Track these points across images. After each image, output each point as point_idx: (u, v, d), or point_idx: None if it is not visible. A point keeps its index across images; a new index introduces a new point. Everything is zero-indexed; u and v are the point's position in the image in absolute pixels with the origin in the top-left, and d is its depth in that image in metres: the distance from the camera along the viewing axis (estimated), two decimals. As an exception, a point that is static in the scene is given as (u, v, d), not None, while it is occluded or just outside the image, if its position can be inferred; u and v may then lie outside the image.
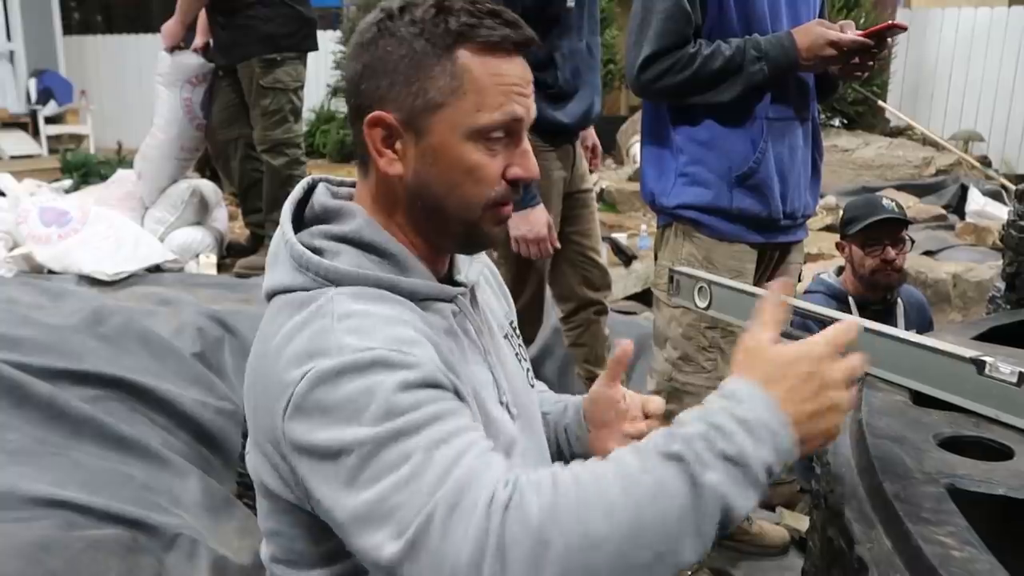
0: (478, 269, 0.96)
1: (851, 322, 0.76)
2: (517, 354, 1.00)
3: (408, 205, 0.85)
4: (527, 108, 0.83)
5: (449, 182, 0.82)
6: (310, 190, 0.91)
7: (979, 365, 0.95)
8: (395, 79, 0.81)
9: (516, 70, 0.83)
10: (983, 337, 1.22)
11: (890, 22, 1.51)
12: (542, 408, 1.06)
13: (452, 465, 0.67)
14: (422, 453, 0.68)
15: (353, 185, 0.92)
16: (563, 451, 1.06)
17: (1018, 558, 0.72)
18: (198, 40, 3.01)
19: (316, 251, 0.83)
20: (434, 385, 0.73)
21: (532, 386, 1.02)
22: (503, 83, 0.81)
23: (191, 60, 2.98)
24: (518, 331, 1.04)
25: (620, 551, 0.63)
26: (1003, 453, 0.87)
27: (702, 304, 1.37)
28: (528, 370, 1.02)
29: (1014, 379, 0.92)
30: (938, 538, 0.70)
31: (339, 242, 0.84)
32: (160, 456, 1.80)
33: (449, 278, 0.92)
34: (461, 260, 0.94)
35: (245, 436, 1.75)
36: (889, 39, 1.50)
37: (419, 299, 0.84)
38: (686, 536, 0.64)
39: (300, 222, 0.89)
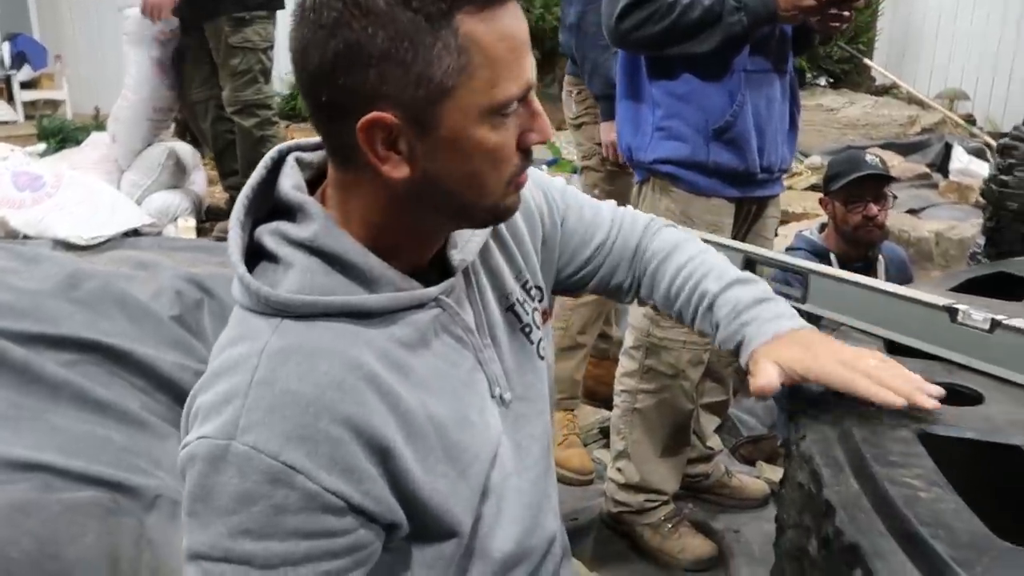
0: (480, 241, 0.84)
1: None
2: (525, 327, 0.89)
3: (411, 203, 0.73)
4: (534, 65, 0.71)
5: (467, 172, 0.71)
6: (276, 167, 0.78)
7: (952, 313, 0.95)
8: (385, 68, 0.65)
9: (519, 23, 0.69)
10: (959, 288, 1.22)
11: None
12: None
13: None
14: None
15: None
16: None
17: (986, 498, 0.73)
18: None
19: (271, 256, 0.74)
20: (322, 511, 0.68)
21: (542, 358, 0.91)
22: (513, 45, 0.68)
23: None
24: (534, 290, 0.91)
25: None
26: (973, 399, 0.87)
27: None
28: (540, 340, 0.90)
29: (986, 326, 0.92)
30: (905, 480, 0.70)
31: (296, 248, 0.73)
32: (139, 419, 1.78)
33: (442, 259, 0.81)
34: (459, 233, 0.82)
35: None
36: None
37: (383, 314, 0.74)
38: None
39: (269, 199, 0.77)
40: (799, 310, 1.19)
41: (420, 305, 0.77)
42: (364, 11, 0.64)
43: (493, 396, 0.84)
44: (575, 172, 4.04)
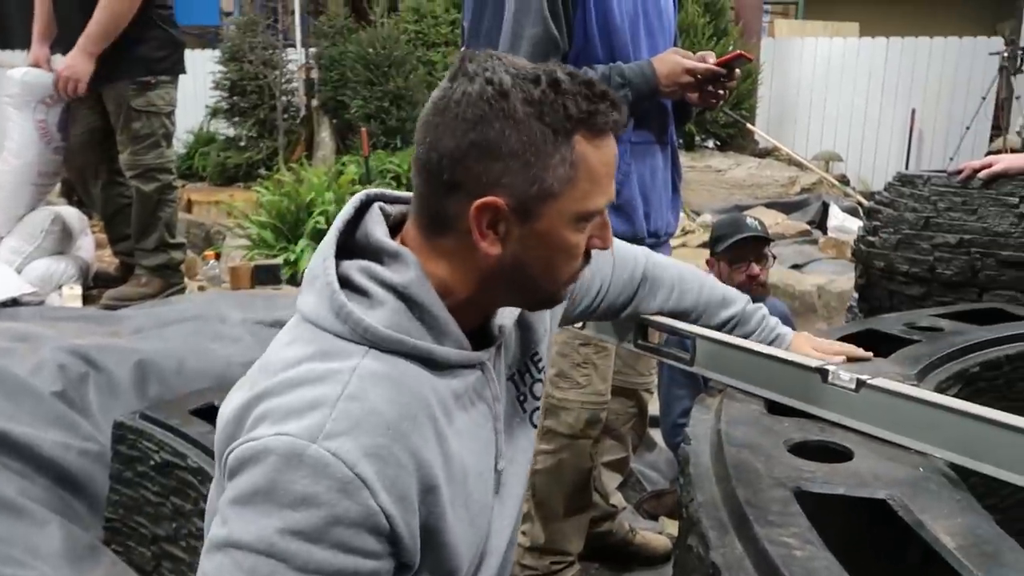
0: (516, 310, 0.95)
1: None
2: (521, 395, 0.98)
3: (489, 276, 0.83)
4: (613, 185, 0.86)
5: (547, 262, 0.83)
6: (363, 210, 0.87)
7: (823, 374, 1.02)
8: (511, 164, 0.78)
9: (614, 151, 0.84)
10: (833, 346, 1.31)
11: (738, 52, 1.62)
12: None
13: None
14: None
15: (407, 201, 0.89)
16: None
17: (857, 550, 0.78)
18: (36, 53, 2.84)
19: (358, 290, 0.81)
20: (370, 531, 0.73)
21: (535, 426, 1.00)
22: (609, 169, 0.83)
23: (44, 79, 2.81)
24: (541, 362, 1.01)
25: None
26: (844, 455, 0.93)
27: (577, 324, 1.41)
28: (534, 410, 1.00)
29: (853, 385, 0.99)
30: (783, 539, 0.74)
31: (387, 290, 0.81)
32: (15, 505, 1.67)
33: (484, 325, 0.91)
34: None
35: (112, 477, 1.66)
36: (738, 69, 1.61)
37: (447, 366, 0.83)
38: None
39: (348, 237, 0.86)
40: (688, 372, 1.25)
41: (471, 365, 0.86)
42: (506, 115, 0.77)
43: (496, 462, 0.92)
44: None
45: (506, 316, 0.93)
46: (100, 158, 2.97)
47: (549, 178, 0.79)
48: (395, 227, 0.88)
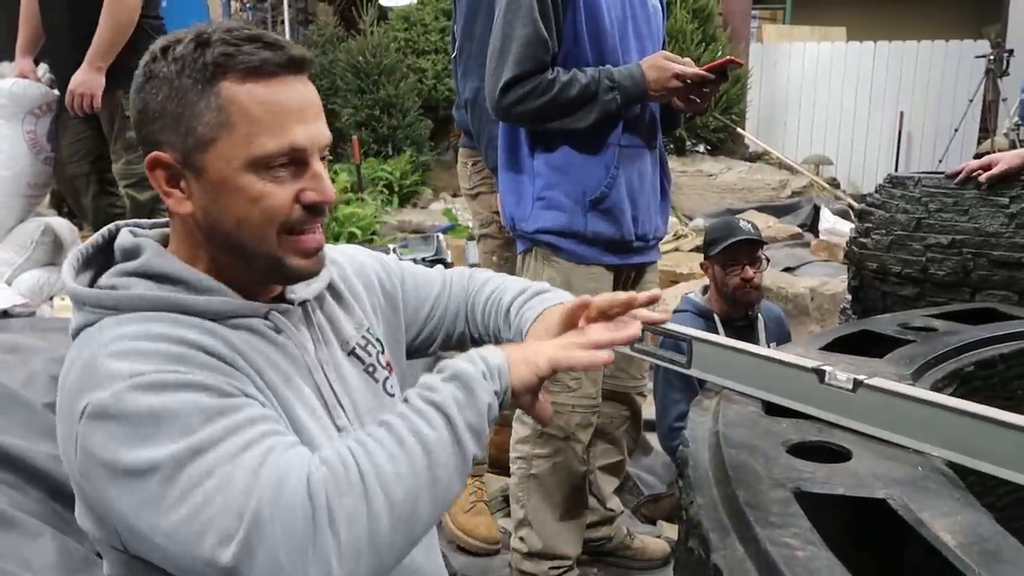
0: (318, 287, 0.96)
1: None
2: (369, 367, 0.99)
3: (207, 241, 0.86)
4: (309, 133, 0.83)
5: (237, 215, 0.82)
6: (111, 239, 0.91)
7: (820, 374, 1.02)
8: (165, 121, 0.82)
9: (288, 93, 0.82)
10: (829, 347, 1.31)
11: (728, 57, 1.62)
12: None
13: (259, 466, 0.71)
14: (227, 463, 0.71)
15: (166, 224, 0.93)
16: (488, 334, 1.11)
17: (857, 550, 0.78)
18: (21, 65, 2.82)
19: (111, 290, 0.84)
20: (222, 394, 0.75)
21: (392, 395, 1.00)
22: (274, 109, 0.81)
23: (33, 90, 2.79)
24: (375, 340, 1.01)
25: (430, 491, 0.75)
26: (843, 455, 0.93)
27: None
28: (385, 379, 1.00)
29: (850, 386, 0.99)
30: (784, 540, 0.74)
31: (130, 277, 0.85)
32: (6, 517, 1.65)
33: (281, 297, 0.93)
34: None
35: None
36: (728, 72, 1.61)
37: (220, 319, 0.84)
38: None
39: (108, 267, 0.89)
40: (683, 375, 1.25)
41: (253, 317, 0.86)
42: (153, 76, 0.83)
43: (336, 424, 0.90)
44: (471, 239, 4.10)
45: (307, 289, 0.94)
46: (90, 168, 2.95)
47: (199, 126, 0.81)
48: (166, 241, 0.91)
